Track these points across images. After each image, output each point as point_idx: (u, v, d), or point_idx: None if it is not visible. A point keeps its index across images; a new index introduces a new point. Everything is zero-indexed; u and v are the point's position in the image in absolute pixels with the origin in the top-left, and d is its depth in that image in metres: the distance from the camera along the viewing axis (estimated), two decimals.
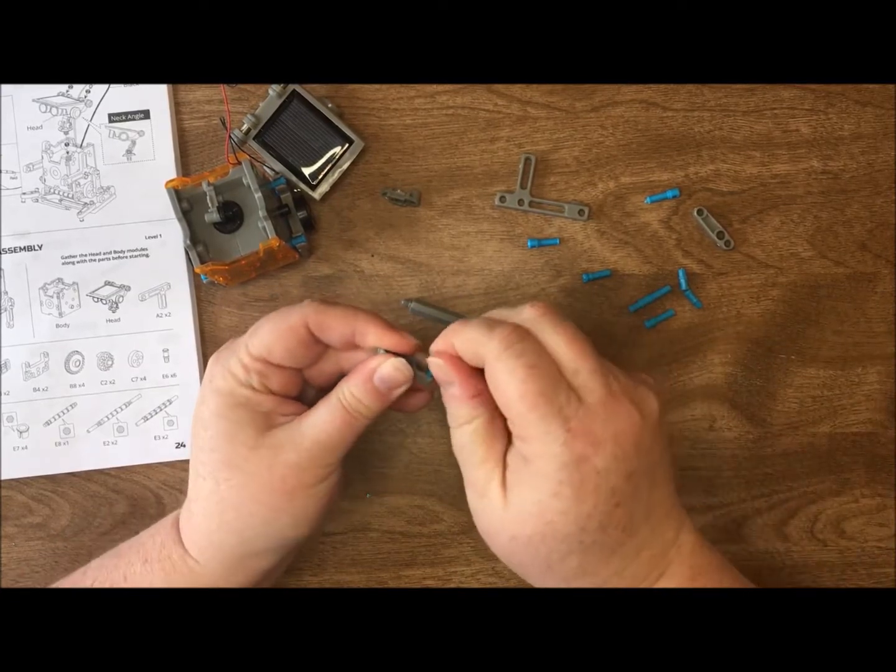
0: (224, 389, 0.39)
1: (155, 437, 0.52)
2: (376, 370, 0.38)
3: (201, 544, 0.39)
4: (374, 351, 0.39)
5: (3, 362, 0.52)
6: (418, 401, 0.42)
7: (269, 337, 0.38)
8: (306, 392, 0.42)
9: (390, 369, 0.38)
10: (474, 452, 0.37)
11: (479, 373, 0.37)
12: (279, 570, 0.43)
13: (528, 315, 0.37)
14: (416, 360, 0.39)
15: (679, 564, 0.38)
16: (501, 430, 0.37)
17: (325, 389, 0.40)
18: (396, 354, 0.39)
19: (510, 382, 0.35)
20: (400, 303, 0.52)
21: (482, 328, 0.36)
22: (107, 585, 0.41)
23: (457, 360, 0.37)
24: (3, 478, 0.51)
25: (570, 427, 0.34)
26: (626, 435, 0.35)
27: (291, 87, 0.51)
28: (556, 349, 0.36)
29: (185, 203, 0.48)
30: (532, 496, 0.35)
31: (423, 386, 0.40)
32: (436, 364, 0.38)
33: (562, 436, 0.34)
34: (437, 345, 0.38)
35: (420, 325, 0.51)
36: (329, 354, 0.41)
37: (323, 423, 0.38)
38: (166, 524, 0.42)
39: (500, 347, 0.35)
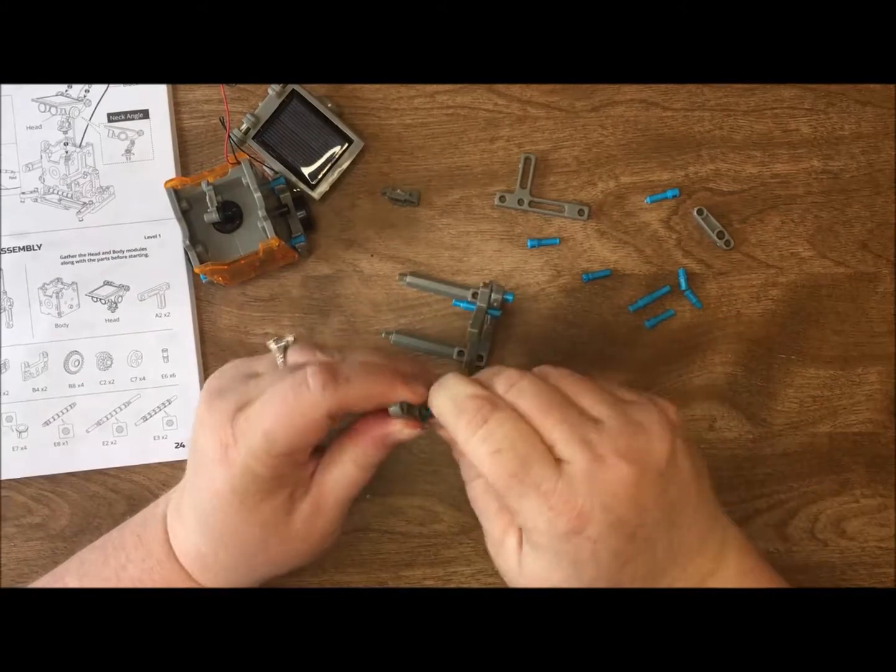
0: (239, 489, 0.38)
1: (154, 438, 0.52)
2: (392, 434, 0.39)
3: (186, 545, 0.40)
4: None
5: (2, 362, 0.52)
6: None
7: (286, 436, 0.36)
8: None
9: (408, 435, 0.39)
10: (488, 505, 0.38)
11: None
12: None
13: (502, 387, 0.36)
14: (419, 406, 0.39)
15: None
16: None
17: None
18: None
19: (483, 468, 0.35)
20: (380, 335, 0.52)
21: (453, 411, 0.36)
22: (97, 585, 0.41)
23: None
24: (2, 478, 0.51)
25: (552, 504, 0.33)
26: (618, 499, 0.33)
27: (291, 86, 0.51)
28: (532, 421, 0.35)
29: (185, 203, 0.48)
30: (537, 564, 0.35)
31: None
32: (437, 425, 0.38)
33: (545, 513, 0.33)
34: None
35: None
36: None
37: (343, 489, 0.40)
38: (151, 525, 0.42)
39: (466, 435, 0.35)
